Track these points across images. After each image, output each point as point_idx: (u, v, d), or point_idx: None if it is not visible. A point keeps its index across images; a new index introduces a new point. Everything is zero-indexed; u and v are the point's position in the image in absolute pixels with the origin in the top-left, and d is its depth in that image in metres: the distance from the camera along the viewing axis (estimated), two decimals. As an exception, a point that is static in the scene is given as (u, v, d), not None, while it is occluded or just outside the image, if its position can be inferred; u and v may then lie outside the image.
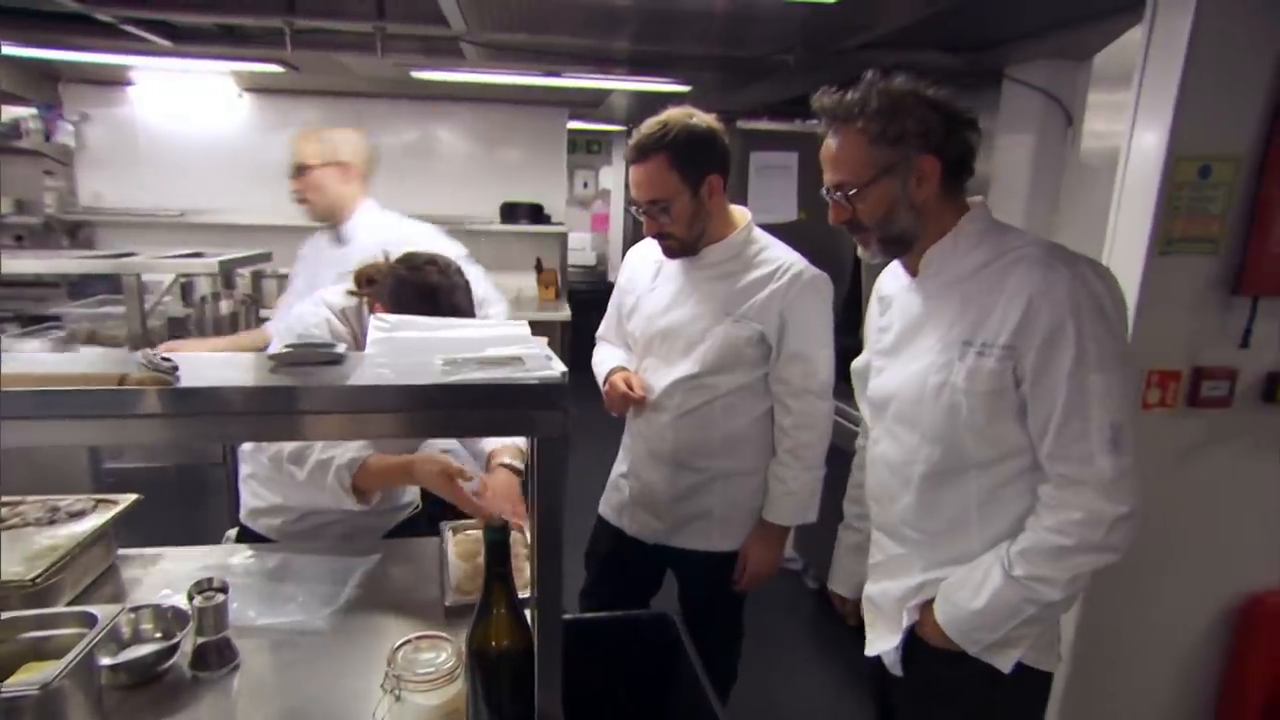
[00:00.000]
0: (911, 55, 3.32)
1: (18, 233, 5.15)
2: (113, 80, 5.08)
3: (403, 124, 5.48)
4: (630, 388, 2.02)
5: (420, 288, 1.76)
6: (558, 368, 1.09)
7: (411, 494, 2.21)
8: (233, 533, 2.10)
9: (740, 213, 2.02)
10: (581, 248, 8.05)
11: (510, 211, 5.55)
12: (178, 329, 3.69)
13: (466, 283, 1.82)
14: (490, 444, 2.02)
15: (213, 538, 2.08)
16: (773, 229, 2.05)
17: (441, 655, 1.24)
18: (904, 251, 1.51)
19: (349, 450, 1.77)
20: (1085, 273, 1.32)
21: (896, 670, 1.58)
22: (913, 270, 1.51)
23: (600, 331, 2.27)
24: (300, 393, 1.00)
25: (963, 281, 1.43)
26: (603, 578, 2.22)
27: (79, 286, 4.82)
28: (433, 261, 1.80)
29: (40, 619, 1.25)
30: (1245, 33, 1.85)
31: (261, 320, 3.68)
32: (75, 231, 5.31)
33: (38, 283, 4.39)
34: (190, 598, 1.38)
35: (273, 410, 0.99)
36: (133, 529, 1.82)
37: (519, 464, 1.94)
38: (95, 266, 3.27)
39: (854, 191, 1.43)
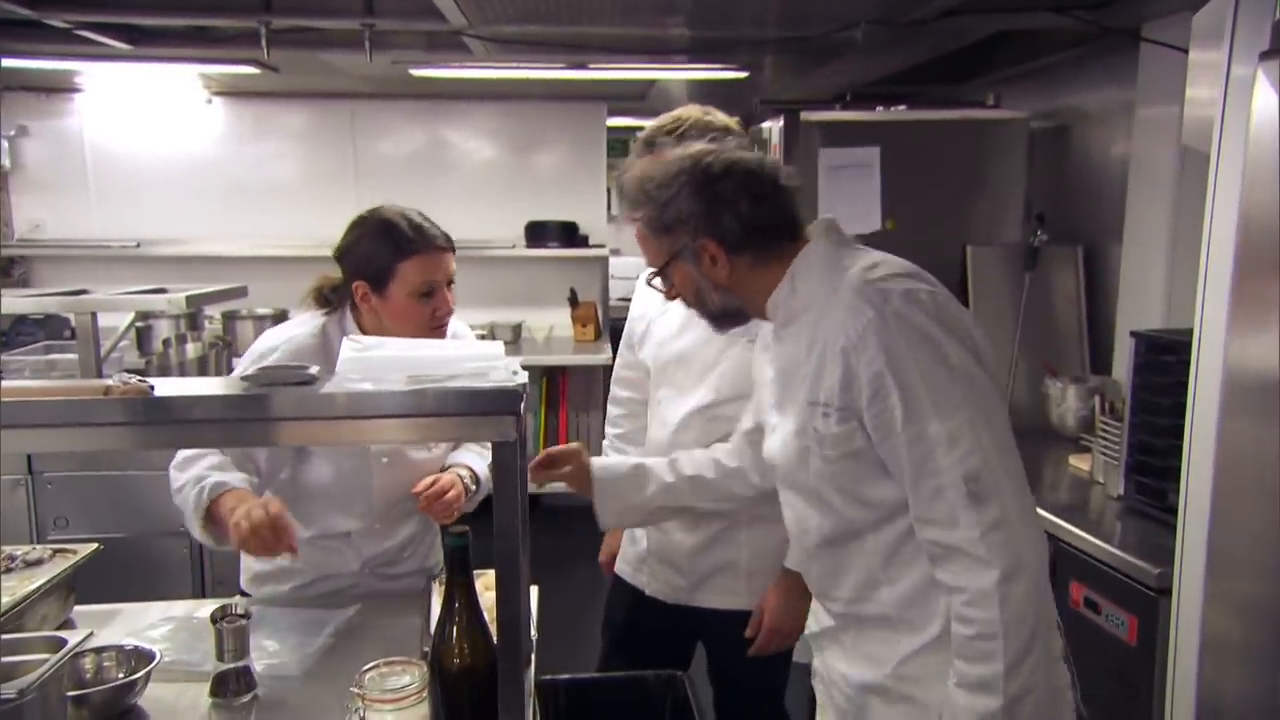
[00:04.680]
0: (1012, 19, 3.67)
1: (-63, 271, 5.70)
2: (56, 87, 5.63)
3: (404, 129, 6.00)
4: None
5: (376, 229, 2.30)
6: (518, 380, 1.51)
7: (435, 557, 2.65)
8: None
9: None
10: (633, 274, 8.45)
11: (538, 232, 5.97)
12: (135, 380, 4.21)
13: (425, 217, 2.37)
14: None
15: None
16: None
17: (409, 677, 1.63)
18: (743, 321, 1.90)
19: (222, 475, 2.20)
20: (896, 308, 1.58)
21: None
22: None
23: (615, 374, 2.78)
24: (269, 400, 1.44)
25: (808, 327, 1.73)
26: (620, 647, 2.64)
27: (12, 334, 5.41)
28: (370, 210, 2.37)
29: (8, 645, 1.69)
30: None
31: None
32: (9, 268, 5.87)
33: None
34: (214, 620, 1.84)
35: (244, 417, 1.43)
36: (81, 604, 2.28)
37: (469, 481, 2.46)
38: (41, 305, 3.78)
39: (660, 278, 1.84)
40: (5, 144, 5.76)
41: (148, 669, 1.83)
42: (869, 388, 1.58)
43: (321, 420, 1.44)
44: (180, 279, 4.75)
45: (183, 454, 2.26)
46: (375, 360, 1.68)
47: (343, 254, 2.37)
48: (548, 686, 2.13)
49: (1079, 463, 3.27)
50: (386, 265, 2.28)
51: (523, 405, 1.47)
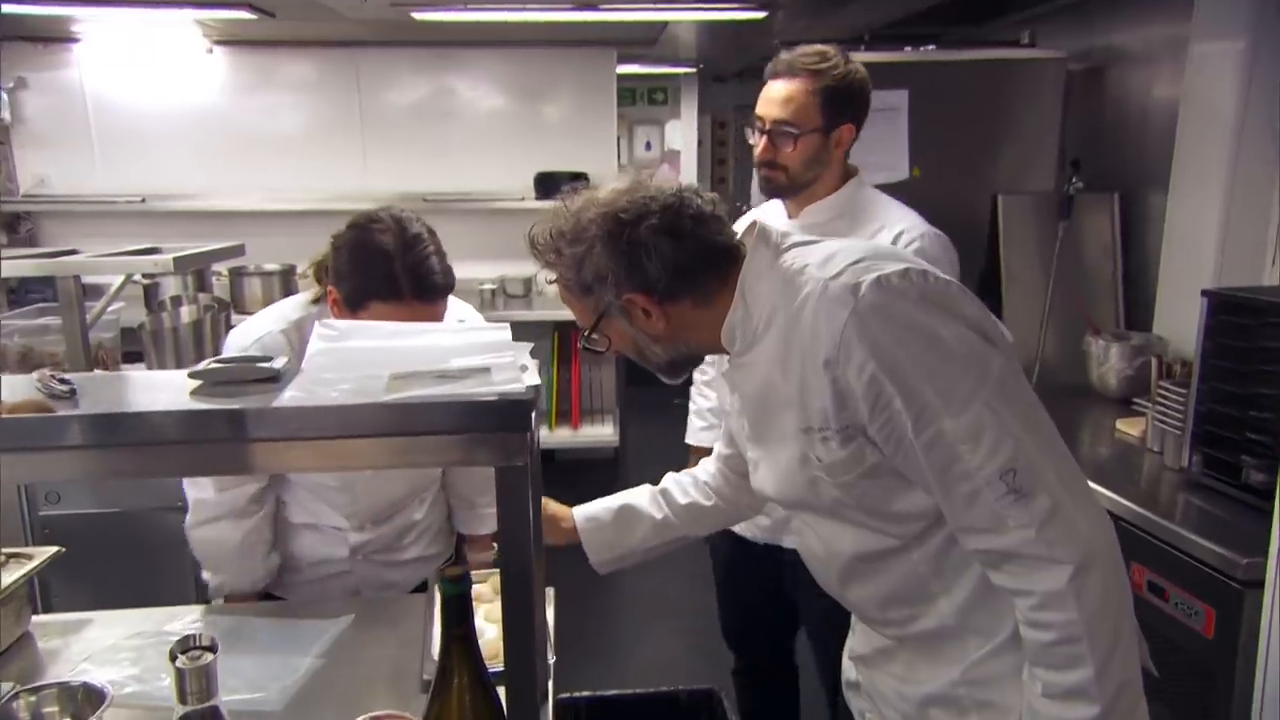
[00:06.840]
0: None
1: (-58, 229, 5.45)
2: (54, 36, 5.33)
3: (408, 78, 5.67)
4: None
5: (362, 251, 1.84)
6: (528, 380, 1.14)
7: (445, 542, 2.37)
8: None
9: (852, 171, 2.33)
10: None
11: (547, 183, 5.62)
12: (133, 342, 3.87)
13: (438, 248, 1.90)
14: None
15: (170, 598, 2.20)
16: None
17: (401, 739, 1.30)
18: (696, 365, 1.63)
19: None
20: (872, 300, 1.31)
21: None
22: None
23: None
24: (206, 420, 1.07)
25: (774, 346, 1.45)
26: (730, 579, 2.72)
27: (22, 293, 5.10)
28: (377, 219, 1.87)
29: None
30: None
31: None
32: (15, 224, 5.61)
33: (-36, 292, 4.63)
34: (173, 657, 1.47)
35: (172, 440, 1.06)
36: (71, 586, 1.96)
37: None
38: (18, 268, 3.43)
39: (594, 337, 1.54)
40: (5, 96, 5.46)
41: (96, 715, 1.46)
42: (866, 399, 1.32)
43: (275, 442, 1.06)
44: (186, 234, 4.64)
45: (193, 515, 2.17)
46: (351, 353, 1.32)
47: (331, 248, 1.92)
48: (567, 706, 1.80)
49: (1127, 427, 2.91)
50: (357, 296, 1.85)
51: (534, 417, 1.09)
